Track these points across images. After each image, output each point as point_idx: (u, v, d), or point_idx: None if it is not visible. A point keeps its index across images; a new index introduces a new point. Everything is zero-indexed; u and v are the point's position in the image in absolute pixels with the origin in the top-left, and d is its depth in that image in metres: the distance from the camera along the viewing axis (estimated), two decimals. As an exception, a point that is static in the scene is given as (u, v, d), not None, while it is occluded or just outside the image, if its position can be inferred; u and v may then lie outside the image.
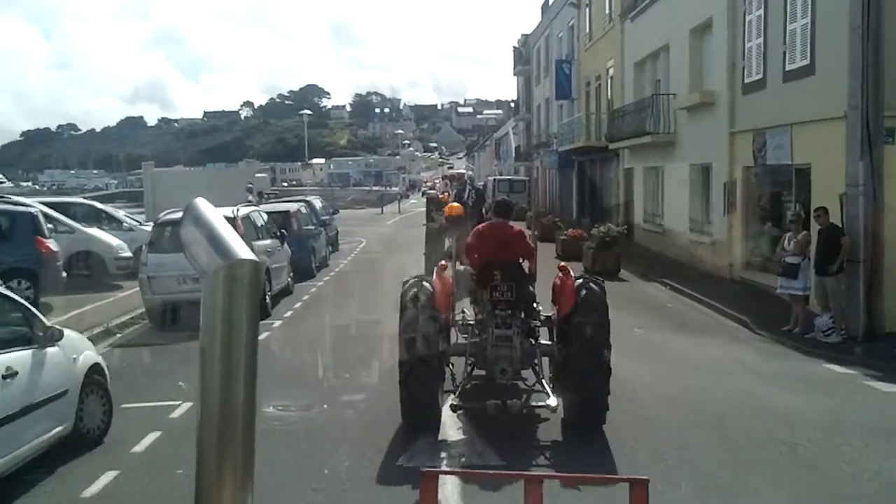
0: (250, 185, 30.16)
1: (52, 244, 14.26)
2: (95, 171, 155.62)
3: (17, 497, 6.20)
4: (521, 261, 8.10)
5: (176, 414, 8.21)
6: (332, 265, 22.38)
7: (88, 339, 9.06)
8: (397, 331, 7.45)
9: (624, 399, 7.98)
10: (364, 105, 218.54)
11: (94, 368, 7.61)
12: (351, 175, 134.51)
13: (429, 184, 74.44)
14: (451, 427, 7.62)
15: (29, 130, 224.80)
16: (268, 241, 15.70)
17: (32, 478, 6.48)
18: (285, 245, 16.90)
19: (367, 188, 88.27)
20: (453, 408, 7.28)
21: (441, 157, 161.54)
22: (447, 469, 6.72)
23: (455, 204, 14.15)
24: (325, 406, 8.53)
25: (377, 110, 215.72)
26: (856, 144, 11.81)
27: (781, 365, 10.79)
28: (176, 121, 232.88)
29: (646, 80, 24.79)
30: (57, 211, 17.89)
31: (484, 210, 15.09)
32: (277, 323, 13.60)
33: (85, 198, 29.64)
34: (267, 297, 14.37)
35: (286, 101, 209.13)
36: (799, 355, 11.33)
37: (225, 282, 1.08)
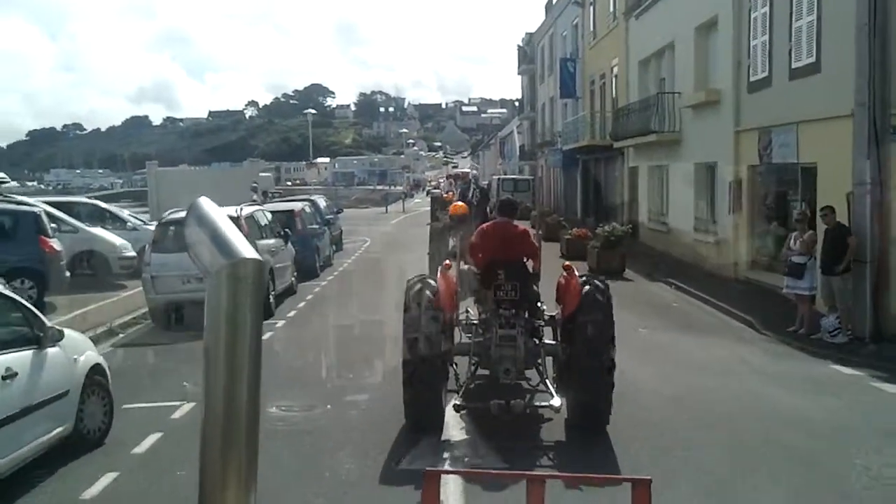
0: (255, 185, 30.12)
1: (55, 244, 14.29)
2: (101, 171, 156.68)
3: (17, 497, 6.18)
4: (525, 260, 8.07)
5: (177, 415, 8.19)
6: (336, 264, 22.36)
7: (91, 338, 9.05)
8: (401, 331, 7.41)
9: (628, 399, 7.94)
10: (369, 104, 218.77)
11: (95, 369, 7.58)
12: (355, 174, 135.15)
13: (433, 183, 74.56)
14: (455, 427, 7.59)
15: (35, 130, 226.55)
16: (271, 241, 15.68)
17: (33, 478, 6.46)
18: (289, 244, 16.89)
19: (372, 187, 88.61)
20: (457, 408, 7.24)
21: (445, 156, 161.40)
22: (450, 469, 6.68)
23: (459, 203, 14.11)
24: (329, 406, 8.50)
25: (382, 109, 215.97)
26: (863, 142, 11.71)
27: (788, 366, 10.72)
28: (181, 120, 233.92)
29: (650, 79, 24.70)
30: (61, 210, 17.93)
31: (488, 209, 15.04)
32: (281, 323, 13.58)
33: (90, 197, 29.75)
34: (270, 296, 14.37)
35: (291, 101, 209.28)
36: (805, 356, 11.26)
37: (229, 281, 1.08)
